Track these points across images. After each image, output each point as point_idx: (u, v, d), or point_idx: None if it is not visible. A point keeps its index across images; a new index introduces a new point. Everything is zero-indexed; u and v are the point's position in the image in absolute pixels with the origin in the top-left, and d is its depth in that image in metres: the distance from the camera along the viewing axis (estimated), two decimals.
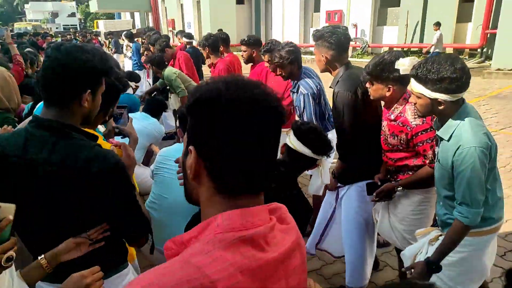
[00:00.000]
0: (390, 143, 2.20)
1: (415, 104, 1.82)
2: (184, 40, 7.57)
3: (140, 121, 3.52)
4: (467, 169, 1.64)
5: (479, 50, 12.79)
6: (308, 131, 1.72)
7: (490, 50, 12.17)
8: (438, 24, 11.43)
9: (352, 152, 2.38)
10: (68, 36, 18.21)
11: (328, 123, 3.13)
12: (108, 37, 17.44)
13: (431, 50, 11.20)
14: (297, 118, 3.35)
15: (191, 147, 0.69)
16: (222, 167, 0.68)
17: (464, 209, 1.70)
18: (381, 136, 2.28)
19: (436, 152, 1.90)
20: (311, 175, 2.59)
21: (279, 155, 1.60)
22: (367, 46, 15.92)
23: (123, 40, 9.81)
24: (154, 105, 4.02)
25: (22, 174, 1.15)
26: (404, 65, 1.93)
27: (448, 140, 1.73)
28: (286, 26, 19.96)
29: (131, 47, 8.88)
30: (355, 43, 16.35)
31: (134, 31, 14.36)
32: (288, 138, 1.74)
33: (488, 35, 12.09)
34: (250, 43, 4.08)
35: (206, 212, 0.71)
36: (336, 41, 2.32)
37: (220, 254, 0.63)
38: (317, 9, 18.84)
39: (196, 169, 0.69)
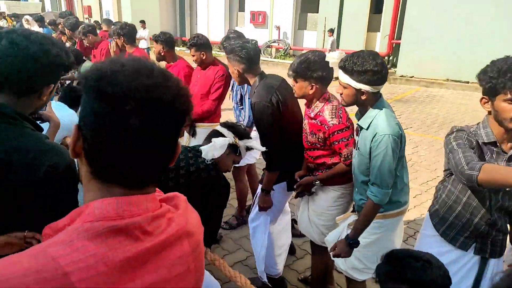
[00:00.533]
0: (309, 141, 2.33)
1: (341, 94, 1.98)
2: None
3: (55, 111, 3.23)
4: (380, 153, 1.85)
5: (386, 57, 14.18)
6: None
7: (395, 58, 13.58)
8: (331, 31, 13.08)
9: (276, 158, 2.43)
10: None
11: None
12: (11, 19, 15.60)
13: (327, 54, 12.13)
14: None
15: (75, 124, 0.68)
16: (93, 152, 0.66)
17: (375, 189, 1.91)
18: (303, 134, 2.40)
19: (356, 141, 2.08)
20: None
21: None
22: (289, 48, 16.61)
23: (28, 23, 8.88)
24: (71, 95, 3.70)
25: None
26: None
27: (367, 129, 1.93)
28: (211, 22, 19.86)
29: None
30: (278, 44, 16.94)
31: (43, 15, 13.07)
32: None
33: (394, 45, 13.46)
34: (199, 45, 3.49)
35: (86, 198, 0.69)
36: (246, 55, 2.42)
37: (82, 244, 0.60)
38: (242, 8, 19.07)
39: (73, 147, 0.67)
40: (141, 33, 13.15)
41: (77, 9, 25.82)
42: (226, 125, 2.24)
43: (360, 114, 2.03)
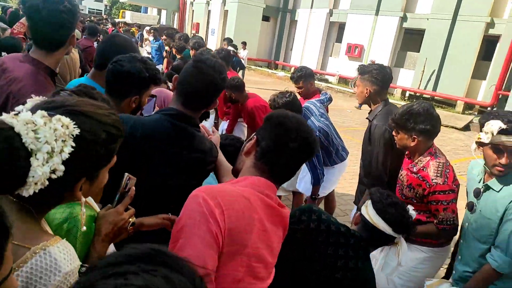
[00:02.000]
0: (404, 194, 2.17)
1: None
2: (230, 48, 8.26)
3: None
4: None
5: (489, 108, 13.10)
6: (390, 205, 1.55)
7: None
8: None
9: (378, 183, 2.39)
10: (94, 18, 18.71)
11: (336, 157, 3.30)
12: (136, 29, 17.78)
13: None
14: None
15: (255, 135, 1.23)
16: (263, 155, 1.18)
17: (497, 253, 1.76)
18: (397, 185, 2.28)
19: (474, 205, 1.93)
20: None
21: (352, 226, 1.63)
22: None
23: (147, 33, 10.08)
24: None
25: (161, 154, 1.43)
26: (492, 130, 1.77)
27: (499, 191, 1.81)
28: (306, 50, 20.33)
29: (150, 41, 9.15)
30: None
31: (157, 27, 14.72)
32: (365, 208, 1.61)
33: (500, 96, 12.40)
34: (307, 76, 3.58)
35: (243, 174, 1.21)
36: (381, 77, 2.52)
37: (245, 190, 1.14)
38: (339, 39, 19.24)
39: (248, 149, 1.22)
40: (241, 53, 14.04)
41: (187, 25, 28.41)
42: None
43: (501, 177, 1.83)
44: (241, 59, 13.79)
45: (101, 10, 50.07)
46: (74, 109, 0.80)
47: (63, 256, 0.78)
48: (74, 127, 0.77)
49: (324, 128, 3.17)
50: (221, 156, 1.62)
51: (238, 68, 8.28)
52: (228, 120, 4.46)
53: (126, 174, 1.11)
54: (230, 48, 8.42)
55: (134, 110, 1.67)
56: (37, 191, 0.72)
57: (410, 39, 16.32)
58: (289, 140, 1.14)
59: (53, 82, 1.58)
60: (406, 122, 2.09)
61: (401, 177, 2.27)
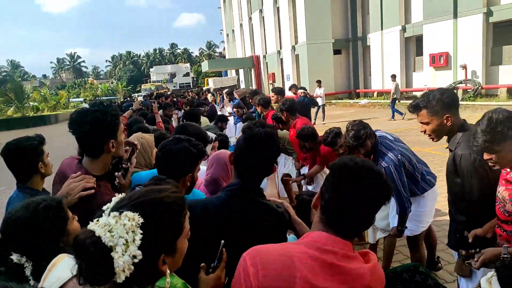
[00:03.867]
0: (508, 211, 1.88)
1: None
2: (300, 92, 8.73)
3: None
4: None
5: None
6: None
7: None
8: (393, 76, 14.05)
9: (477, 219, 2.10)
10: (188, 94, 21.16)
11: (424, 183, 2.95)
12: (217, 92, 19.32)
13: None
14: None
15: (320, 188, 1.15)
16: (326, 207, 1.11)
17: None
18: (496, 204, 1.98)
19: None
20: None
21: None
22: (480, 87, 14.60)
23: (226, 97, 10.81)
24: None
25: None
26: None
27: None
28: (385, 72, 19.55)
29: (229, 102, 9.76)
30: (466, 85, 15.13)
31: (235, 90, 15.88)
32: (487, 284, 1.32)
33: None
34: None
35: (313, 229, 1.14)
36: (451, 99, 2.17)
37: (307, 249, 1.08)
38: (419, 53, 18.17)
39: (315, 202, 1.15)
40: (317, 91, 14.10)
41: (263, 76, 29.90)
42: None
43: None
44: (319, 97, 13.84)
45: (189, 83, 55.86)
46: (138, 201, 0.95)
47: None
48: (139, 218, 0.90)
49: (404, 151, 2.90)
50: (294, 216, 1.63)
51: (311, 106, 8.49)
52: (308, 165, 4.39)
53: (222, 241, 1.25)
54: (300, 92, 8.71)
55: (188, 189, 1.74)
56: (128, 275, 0.87)
57: (502, 32, 14.61)
58: (352, 183, 1.06)
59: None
60: (503, 131, 1.74)
61: (499, 194, 1.96)
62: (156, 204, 0.95)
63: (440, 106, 2.16)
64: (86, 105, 21.76)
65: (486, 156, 1.84)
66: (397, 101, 13.51)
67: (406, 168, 2.83)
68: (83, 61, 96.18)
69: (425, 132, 2.27)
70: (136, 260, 0.87)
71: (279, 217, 1.55)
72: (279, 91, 6.46)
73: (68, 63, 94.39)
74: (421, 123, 2.27)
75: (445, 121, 2.17)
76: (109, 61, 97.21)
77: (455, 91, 15.18)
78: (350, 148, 3.04)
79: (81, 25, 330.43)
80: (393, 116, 13.29)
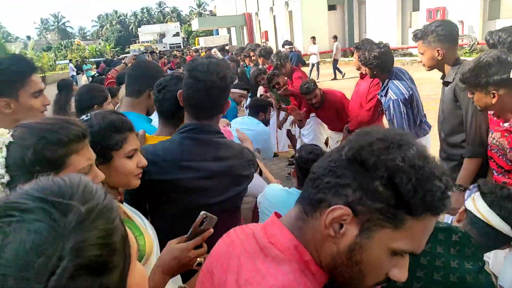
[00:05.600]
0: (510, 160, 1.83)
1: None
2: (286, 48, 8.48)
3: (241, 125, 3.01)
4: None
5: None
6: (507, 198, 1.21)
7: None
8: (335, 37, 14.64)
9: (480, 151, 2.08)
10: (178, 53, 20.64)
11: (420, 129, 2.92)
12: (207, 52, 18.95)
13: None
14: (385, 121, 3.18)
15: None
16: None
17: None
18: (493, 152, 1.95)
19: None
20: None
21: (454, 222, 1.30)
22: (476, 43, 14.38)
23: (215, 53, 10.51)
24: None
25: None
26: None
27: None
28: (381, 28, 19.08)
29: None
30: (462, 40, 14.87)
31: (228, 47, 15.40)
32: (472, 202, 1.25)
33: None
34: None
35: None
36: (450, 32, 2.19)
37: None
38: (416, 7, 17.68)
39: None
40: (311, 48, 13.80)
41: (256, 36, 29.11)
42: None
43: None
44: (313, 54, 13.56)
45: (180, 43, 54.29)
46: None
47: None
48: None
49: (415, 91, 2.81)
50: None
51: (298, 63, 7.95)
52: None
53: (203, 212, 1.04)
54: (286, 47, 8.60)
55: None
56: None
57: None
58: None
59: None
60: (477, 77, 1.76)
61: (494, 141, 1.92)
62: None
63: (433, 39, 2.20)
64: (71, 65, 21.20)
65: (468, 94, 1.90)
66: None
67: (412, 107, 2.80)
68: (68, 21, 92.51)
69: (421, 61, 2.36)
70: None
71: (239, 157, 1.45)
72: (267, 53, 5.70)
73: (52, 23, 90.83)
74: (419, 52, 2.34)
75: (436, 54, 2.21)
76: (96, 21, 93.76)
77: None
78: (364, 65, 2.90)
79: None
80: (335, 77, 13.74)
